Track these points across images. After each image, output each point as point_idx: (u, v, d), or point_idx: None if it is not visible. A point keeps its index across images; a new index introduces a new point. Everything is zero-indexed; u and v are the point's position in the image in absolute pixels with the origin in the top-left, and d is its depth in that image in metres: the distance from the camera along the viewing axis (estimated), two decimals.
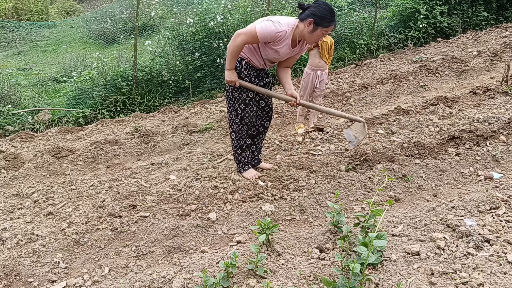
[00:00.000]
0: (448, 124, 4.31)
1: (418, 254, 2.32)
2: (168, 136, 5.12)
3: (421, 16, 8.70)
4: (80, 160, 4.64)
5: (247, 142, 3.65)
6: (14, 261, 2.77)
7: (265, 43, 3.22)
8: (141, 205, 3.35)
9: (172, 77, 7.26)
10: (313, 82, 5.01)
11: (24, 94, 7.65)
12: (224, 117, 5.59)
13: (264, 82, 3.56)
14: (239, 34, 3.17)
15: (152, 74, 7.11)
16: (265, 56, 3.35)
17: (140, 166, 4.33)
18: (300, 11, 3.24)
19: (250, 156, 3.75)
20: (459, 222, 2.54)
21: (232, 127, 3.60)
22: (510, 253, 2.22)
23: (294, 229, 2.98)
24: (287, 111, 5.73)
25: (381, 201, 3.23)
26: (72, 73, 8.43)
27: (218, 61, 7.41)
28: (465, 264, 2.19)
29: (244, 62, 3.38)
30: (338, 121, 5.11)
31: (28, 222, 3.32)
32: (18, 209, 3.63)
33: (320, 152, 4.11)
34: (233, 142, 3.66)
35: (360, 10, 9.68)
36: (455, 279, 2.09)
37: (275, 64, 3.54)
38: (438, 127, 4.29)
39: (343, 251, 2.41)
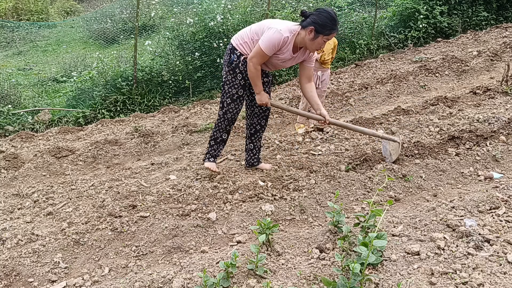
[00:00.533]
0: (448, 124, 4.31)
1: (418, 254, 2.32)
2: (168, 136, 5.12)
3: (421, 16, 8.70)
4: (80, 160, 4.64)
5: (223, 136, 3.66)
6: (14, 261, 2.77)
7: None
8: (141, 205, 3.35)
9: (172, 77, 7.26)
10: (315, 83, 5.00)
11: (24, 94, 7.65)
12: None
13: (262, 81, 3.52)
14: (250, 59, 3.24)
15: (152, 74, 7.11)
16: (267, 60, 3.34)
17: (140, 166, 4.33)
18: (303, 18, 3.24)
19: (220, 149, 3.75)
20: (459, 222, 2.54)
21: (217, 118, 3.64)
22: (510, 253, 2.22)
23: (294, 229, 2.98)
24: None
25: (381, 201, 3.23)
26: (72, 73, 8.43)
27: (218, 61, 7.41)
28: (465, 264, 2.19)
29: (242, 58, 3.38)
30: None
31: (28, 222, 3.32)
32: (18, 209, 3.63)
33: (320, 152, 4.11)
34: (211, 132, 3.70)
35: (360, 10, 9.68)
36: (455, 279, 2.09)
37: (277, 69, 3.54)
38: (438, 127, 4.29)
39: (343, 251, 2.41)
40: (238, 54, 3.39)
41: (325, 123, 3.53)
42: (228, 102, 3.50)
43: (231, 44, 3.44)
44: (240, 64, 3.39)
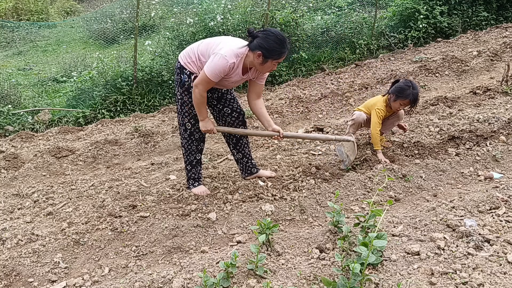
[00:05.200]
0: (448, 124, 4.31)
1: (418, 254, 2.32)
2: (168, 136, 5.12)
3: (421, 16, 8.69)
4: (80, 160, 4.64)
5: (197, 157, 3.47)
6: (14, 261, 2.78)
7: None
8: (141, 205, 3.35)
9: (172, 77, 7.25)
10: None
11: (24, 94, 7.65)
12: None
13: (213, 97, 3.39)
14: (196, 86, 3.05)
15: (152, 74, 7.10)
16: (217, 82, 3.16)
17: (140, 166, 4.33)
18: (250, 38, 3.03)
19: (200, 170, 3.54)
20: (459, 222, 2.54)
21: (182, 142, 3.43)
22: (510, 253, 2.22)
23: (294, 229, 2.98)
24: (287, 111, 5.73)
25: (381, 201, 3.23)
26: (72, 73, 8.43)
27: None
28: (465, 264, 2.19)
29: (193, 77, 3.18)
30: (338, 121, 5.11)
31: (28, 222, 3.32)
32: (18, 209, 3.63)
33: (320, 152, 4.11)
34: (184, 157, 3.48)
35: (360, 10, 9.67)
36: (455, 279, 2.09)
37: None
38: (438, 127, 4.29)
39: (343, 251, 2.41)
40: (188, 73, 3.20)
41: (280, 138, 3.36)
42: (192, 122, 3.31)
43: (179, 62, 3.24)
44: (191, 83, 3.18)
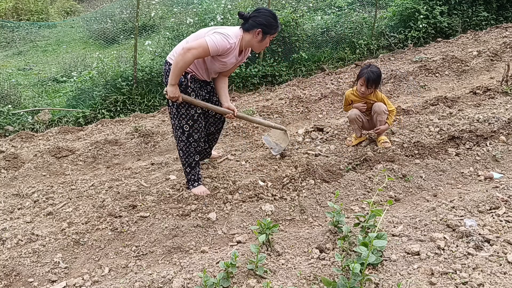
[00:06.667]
0: (448, 124, 4.31)
1: (418, 254, 2.32)
2: (168, 136, 5.12)
3: (421, 16, 8.69)
4: (80, 160, 4.64)
5: (195, 159, 3.49)
6: (14, 261, 2.78)
7: (213, 56, 3.17)
8: (141, 205, 3.35)
9: None
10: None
11: (24, 94, 7.64)
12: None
13: (207, 90, 3.52)
14: (189, 49, 3.04)
15: (152, 74, 7.10)
16: (212, 69, 3.31)
17: (140, 166, 4.33)
18: (242, 20, 3.24)
19: (199, 171, 3.57)
20: (459, 222, 2.54)
21: (179, 145, 3.45)
22: (510, 253, 2.22)
23: (294, 229, 2.98)
24: (287, 111, 5.73)
25: (381, 201, 3.23)
26: (72, 73, 8.42)
27: None
28: (465, 264, 2.19)
29: (189, 76, 3.28)
30: (338, 121, 5.11)
31: (28, 222, 3.32)
32: (18, 209, 3.63)
33: (320, 152, 4.11)
34: (181, 160, 3.51)
35: (360, 10, 9.67)
36: (455, 279, 2.09)
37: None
38: (438, 127, 4.29)
39: (343, 251, 2.41)
40: (183, 74, 3.24)
41: (233, 117, 3.50)
42: (190, 124, 3.36)
43: (171, 64, 3.22)
44: (189, 83, 3.28)
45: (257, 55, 7.53)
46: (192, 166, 3.50)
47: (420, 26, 8.69)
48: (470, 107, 4.84)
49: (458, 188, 3.35)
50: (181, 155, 3.49)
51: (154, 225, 3.05)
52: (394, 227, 2.65)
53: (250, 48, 3.39)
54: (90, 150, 4.79)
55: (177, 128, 3.40)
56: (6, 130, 6.09)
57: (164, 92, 3.28)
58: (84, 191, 3.81)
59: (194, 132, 3.40)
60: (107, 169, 4.46)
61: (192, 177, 3.53)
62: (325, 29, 8.73)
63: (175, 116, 3.37)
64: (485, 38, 8.18)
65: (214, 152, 4.08)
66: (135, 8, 7.13)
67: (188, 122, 3.37)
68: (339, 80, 7.15)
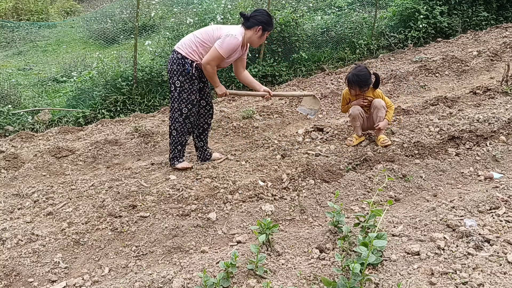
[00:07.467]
0: (448, 124, 4.31)
1: (418, 254, 2.32)
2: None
3: (421, 16, 8.69)
4: (80, 160, 4.64)
5: (187, 138, 4.00)
6: (14, 261, 2.78)
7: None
8: (141, 205, 3.35)
9: None
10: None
11: (24, 94, 7.64)
12: (224, 117, 5.59)
13: (200, 85, 3.93)
14: (208, 63, 3.63)
15: (152, 74, 7.10)
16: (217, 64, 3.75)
17: (140, 166, 4.33)
18: (243, 19, 3.74)
19: (185, 150, 4.08)
20: (459, 222, 2.54)
21: (174, 125, 3.89)
22: (510, 253, 2.22)
23: (294, 229, 2.98)
24: (287, 111, 5.73)
25: (381, 201, 3.23)
26: (72, 73, 8.42)
27: None
28: (465, 264, 2.19)
29: (195, 64, 3.74)
30: (338, 121, 5.11)
31: (28, 222, 3.32)
32: (18, 209, 3.63)
33: (320, 152, 4.11)
34: (173, 139, 3.94)
35: (360, 10, 9.67)
36: (455, 279, 2.09)
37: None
38: (438, 127, 4.29)
39: (343, 251, 2.41)
40: (190, 62, 3.72)
41: (270, 96, 4.06)
42: (189, 107, 3.83)
43: (179, 53, 3.73)
44: (194, 71, 3.75)
45: (257, 55, 7.53)
46: (183, 144, 3.99)
47: (420, 26, 8.69)
48: (470, 107, 4.84)
49: (458, 188, 3.35)
50: (175, 134, 3.93)
51: (154, 225, 3.05)
52: (394, 227, 2.65)
53: (249, 44, 3.88)
54: (90, 150, 4.79)
55: (176, 110, 3.84)
56: (6, 130, 6.09)
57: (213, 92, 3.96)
58: (84, 191, 3.81)
59: (191, 115, 3.87)
60: (107, 169, 4.46)
61: (179, 154, 4.00)
62: (325, 29, 8.73)
63: (176, 99, 3.81)
64: (485, 38, 8.18)
65: (216, 154, 4.29)
66: (135, 8, 7.13)
67: (188, 106, 3.82)
68: (339, 80, 7.15)
